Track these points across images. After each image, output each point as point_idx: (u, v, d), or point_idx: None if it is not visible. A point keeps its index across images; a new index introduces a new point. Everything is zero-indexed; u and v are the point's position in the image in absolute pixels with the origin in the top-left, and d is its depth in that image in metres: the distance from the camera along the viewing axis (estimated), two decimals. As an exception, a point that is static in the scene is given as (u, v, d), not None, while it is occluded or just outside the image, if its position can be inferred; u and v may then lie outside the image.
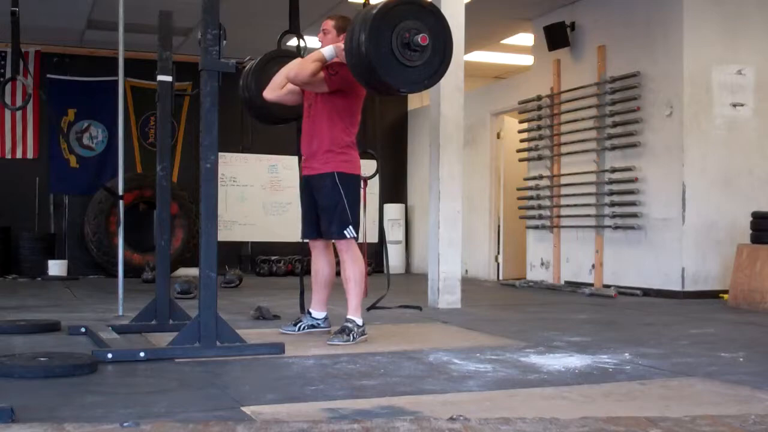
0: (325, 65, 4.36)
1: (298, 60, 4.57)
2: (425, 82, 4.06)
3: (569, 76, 8.97)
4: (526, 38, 10.17)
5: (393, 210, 11.78)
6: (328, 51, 4.36)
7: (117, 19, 5.79)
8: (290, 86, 4.54)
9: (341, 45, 4.28)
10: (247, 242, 11.13)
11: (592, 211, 8.49)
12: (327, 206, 4.46)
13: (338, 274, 4.59)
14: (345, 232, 4.40)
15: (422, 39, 3.90)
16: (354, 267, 4.42)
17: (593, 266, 8.47)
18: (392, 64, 3.90)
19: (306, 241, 4.72)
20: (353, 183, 4.49)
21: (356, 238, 4.47)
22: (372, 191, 5.69)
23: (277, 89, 4.57)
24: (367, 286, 4.95)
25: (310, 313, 4.74)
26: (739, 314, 6.27)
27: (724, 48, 7.66)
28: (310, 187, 4.58)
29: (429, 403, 2.84)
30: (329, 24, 4.57)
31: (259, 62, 4.95)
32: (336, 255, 4.62)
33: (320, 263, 4.67)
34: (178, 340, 3.79)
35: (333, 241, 4.55)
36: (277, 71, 4.69)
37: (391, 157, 11.64)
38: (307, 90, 4.53)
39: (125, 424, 2.29)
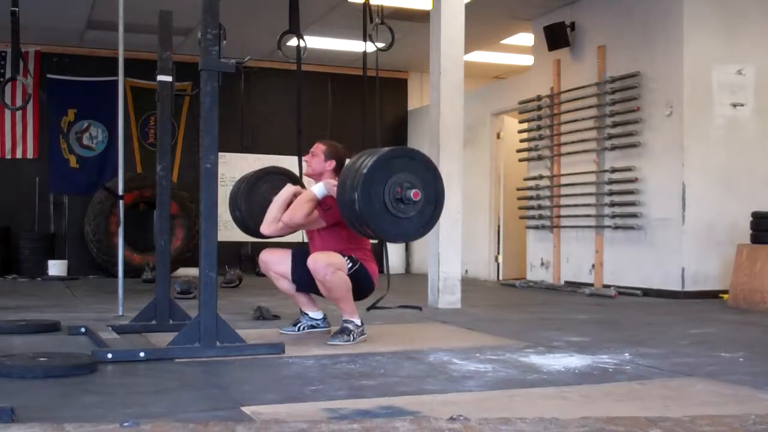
0: (318, 202, 4.36)
1: (287, 192, 4.49)
2: (420, 230, 4.06)
3: (569, 76, 8.97)
4: (526, 38, 10.17)
5: (393, 210, 11.76)
6: (318, 189, 4.37)
7: (117, 19, 5.79)
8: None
9: (331, 181, 4.33)
10: (247, 242, 11.12)
11: (592, 211, 8.50)
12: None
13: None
14: (346, 258, 4.31)
15: (414, 195, 3.90)
16: (336, 289, 4.28)
17: (593, 266, 8.47)
18: (386, 219, 3.91)
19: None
20: (365, 273, 4.40)
21: (348, 272, 4.35)
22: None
23: (273, 224, 4.49)
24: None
25: (307, 314, 4.74)
26: (739, 314, 6.27)
27: (724, 48, 7.66)
28: None
29: (429, 403, 2.84)
30: (319, 148, 4.55)
31: (246, 184, 4.90)
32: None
33: (279, 281, 4.61)
34: (178, 340, 3.78)
35: (313, 270, 4.31)
36: (266, 190, 4.71)
37: (391, 157, 11.61)
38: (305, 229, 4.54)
39: (125, 424, 2.28)
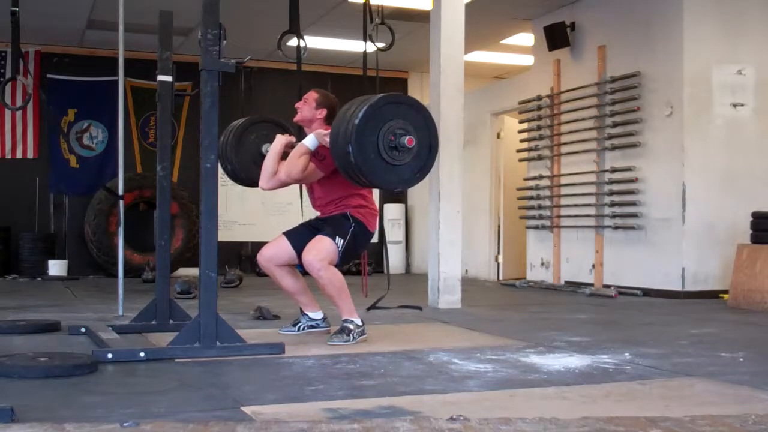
0: (313, 153, 4.36)
1: (279, 143, 4.48)
2: (416, 175, 4.05)
3: (569, 76, 8.97)
4: (526, 38, 10.17)
5: (393, 210, 11.79)
6: (310, 141, 4.35)
7: (117, 19, 5.79)
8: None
9: (321, 131, 4.31)
10: (247, 242, 11.13)
11: (592, 211, 8.50)
12: (332, 219, 4.43)
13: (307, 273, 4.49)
14: (336, 237, 4.34)
15: (408, 141, 3.89)
16: (329, 285, 4.29)
17: (593, 266, 8.47)
18: (381, 167, 3.90)
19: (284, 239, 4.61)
20: (361, 233, 4.43)
21: (338, 265, 4.37)
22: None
23: (271, 178, 4.47)
24: (366, 286, 4.96)
25: (306, 314, 4.74)
26: (739, 314, 6.27)
27: (724, 48, 7.66)
28: (319, 223, 4.54)
29: (429, 403, 2.84)
30: (312, 96, 4.54)
31: (235, 133, 4.87)
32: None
33: (283, 279, 4.59)
34: (178, 340, 3.79)
35: (306, 263, 4.34)
36: (254, 140, 4.69)
37: (391, 157, 11.62)
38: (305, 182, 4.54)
39: (125, 424, 2.28)
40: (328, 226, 4.41)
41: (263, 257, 4.56)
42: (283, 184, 4.49)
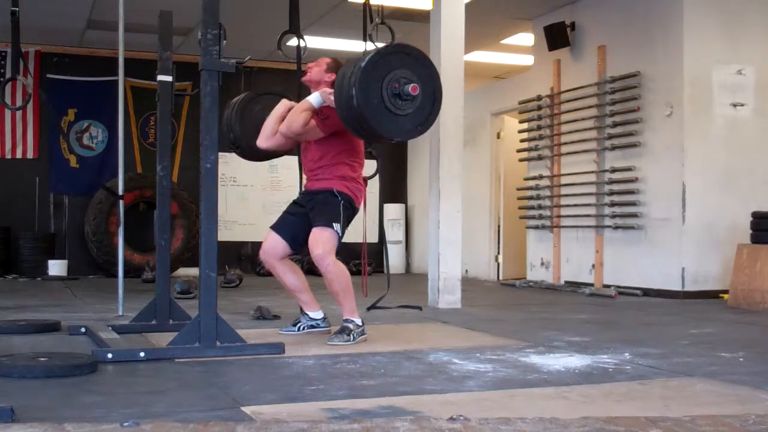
0: (315, 112, 4.36)
1: (283, 105, 4.52)
2: (418, 128, 4.06)
3: (569, 76, 8.97)
4: (526, 38, 10.17)
5: (393, 210, 11.79)
6: (314, 98, 4.36)
7: (117, 19, 5.79)
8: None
9: (327, 90, 4.31)
10: (247, 242, 11.12)
11: (592, 211, 8.50)
12: (321, 203, 4.42)
13: (310, 273, 4.52)
14: (333, 224, 4.35)
15: (413, 89, 3.90)
16: (336, 280, 4.32)
17: (593, 266, 8.47)
18: (384, 115, 3.91)
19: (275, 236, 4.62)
20: (350, 207, 4.45)
21: (339, 240, 4.40)
22: (372, 191, 5.69)
23: (270, 137, 4.51)
24: (366, 286, 4.95)
25: (307, 314, 4.74)
26: (739, 314, 6.27)
27: (724, 48, 7.66)
28: (305, 199, 4.55)
29: (429, 403, 2.83)
30: (324, 60, 4.56)
31: (240, 103, 4.91)
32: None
33: (285, 276, 4.61)
34: (178, 340, 3.78)
35: (317, 230, 4.39)
36: (258, 111, 4.69)
37: (391, 157, 11.64)
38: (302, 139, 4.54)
39: (125, 424, 2.28)
40: (320, 214, 4.39)
41: (263, 252, 4.60)
42: (280, 141, 4.50)
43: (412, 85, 3.90)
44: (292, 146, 4.67)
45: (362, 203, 4.60)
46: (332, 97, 4.16)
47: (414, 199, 12.06)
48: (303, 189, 4.67)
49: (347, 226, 4.51)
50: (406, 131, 4.08)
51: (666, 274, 7.60)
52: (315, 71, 4.53)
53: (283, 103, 4.55)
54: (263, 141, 4.55)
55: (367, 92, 3.85)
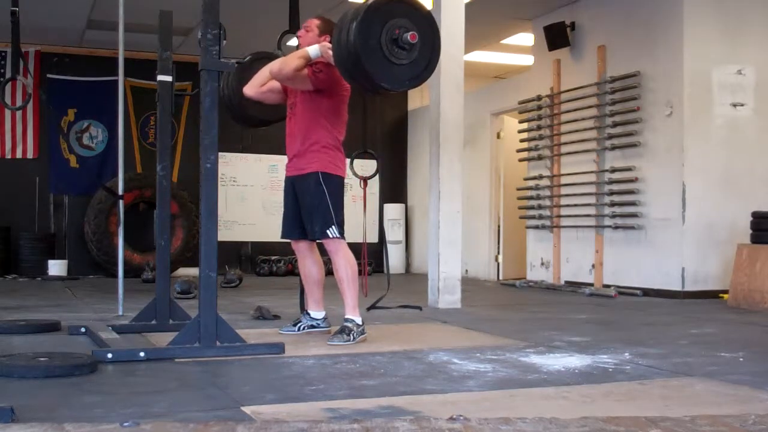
0: (310, 63, 4.34)
1: (281, 60, 4.52)
2: (407, 81, 4.08)
3: (569, 76, 8.97)
4: (526, 38, 10.17)
5: (393, 210, 11.78)
6: (313, 50, 4.34)
7: (117, 19, 5.79)
8: (272, 84, 4.52)
9: (327, 44, 4.28)
10: (247, 242, 11.13)
11: (592, 211, 8.49)
12: (310, 206, 4.44)
13: (330, 273, 4.57)
14: (328, 231, 4.38)
15: (411, 36, 3.92)
16: (345, 267, 4.39)
17: (593, 266, 8.47)
18: (378, 58, 3.92)
19: (287, 240, 4.71)
20: (337, 183, 4.46)
21: (342, 237, 4.43)
22: (372, 191, 5.68)
23: (258, 86, 4.54)
24: (366, 286, 4.96)
25: (308, 314, 4.74)
26: (739, 314, 6.27)
27: (724, 48, 7.65)
28: (293, 187, 4.56)
29: (429, 403, 2.84)
30: (313, 23, 4.54)
31: (240, 66, 4.92)
32: (325, 254, 4.60)
33: (307, 264, 4.67)
34: (178, 340, 3.79)
35: (321, 241, 4.50)
36: (257, 69, 4.68)
37: (391, 157, 11.64)
38: (290, 87, 4.51)
39: (125, 424, 2.28)
40: (313, 222, 4.43)
41: (299, 259, 4.74)
42: (266, 97, 4.52)
43: (411, 32, 3.92)
44: (278, 101, 4.62)
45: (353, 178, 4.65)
46: (331, 53, 4.15)
47: (414, 199, 12.06)
48: (286, 176, 4.64)
49: (342, 201, 4.51)
50: (396, 80, 4.06)
51: (666, 274, 7.60)
52: (309, 38, 4.49)
53: (282, 59, 4.50)
54: (250, 88, 4.56)
55: (366, 32, 3.87)
